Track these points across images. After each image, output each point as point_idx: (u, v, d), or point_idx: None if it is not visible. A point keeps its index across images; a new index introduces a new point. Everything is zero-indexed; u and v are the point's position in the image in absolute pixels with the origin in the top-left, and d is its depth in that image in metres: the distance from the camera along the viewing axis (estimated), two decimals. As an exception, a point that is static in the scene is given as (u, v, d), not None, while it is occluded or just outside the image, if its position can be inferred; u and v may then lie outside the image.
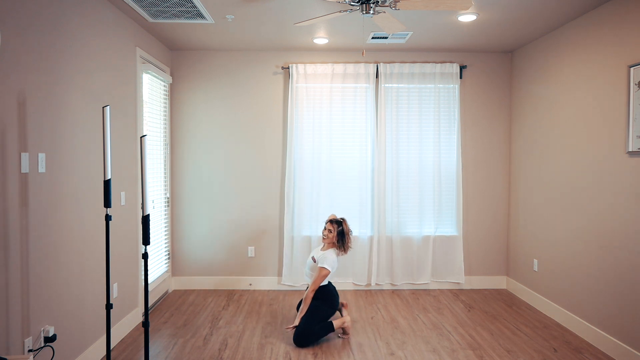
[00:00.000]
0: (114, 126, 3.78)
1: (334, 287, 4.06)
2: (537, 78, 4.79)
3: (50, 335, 2.83)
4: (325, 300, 3.93)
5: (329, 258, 3.91)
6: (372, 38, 4.80)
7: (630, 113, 3.42)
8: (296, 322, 3.81)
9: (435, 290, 5.37)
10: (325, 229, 4.04)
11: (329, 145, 5.30)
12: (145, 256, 2.80)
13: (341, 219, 4.07)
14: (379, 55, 5.36)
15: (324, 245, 4.10)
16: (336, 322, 3.89)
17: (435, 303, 4.89)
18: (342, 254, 4.06)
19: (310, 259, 4.10)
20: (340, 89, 5.32)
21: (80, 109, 3.26)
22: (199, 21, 4.21)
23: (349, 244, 4.03)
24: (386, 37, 4.78)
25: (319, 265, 3.90)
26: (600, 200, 3.77)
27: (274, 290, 5.37)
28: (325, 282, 3.97)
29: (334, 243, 4.02)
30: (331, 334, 3.99)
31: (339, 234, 3.98)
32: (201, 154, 5.37)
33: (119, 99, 3.90)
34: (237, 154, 5.38)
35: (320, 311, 3.87)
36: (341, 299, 5.00)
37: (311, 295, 3.85)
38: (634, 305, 3.38)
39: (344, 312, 4.13)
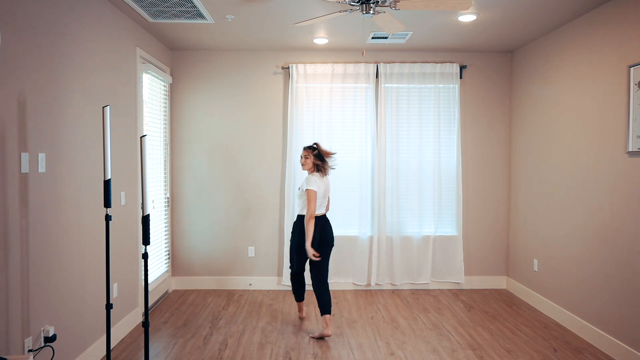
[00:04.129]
0: (114, 126, 3.78)
1: (326, 226, 4.04)
2: (537, 78, 4.79)
3: (50, 335, 2.84)
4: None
5: (311, 179, 3.97)
6: (372, 38, 4.80)
7: (630, 113, 3.42)
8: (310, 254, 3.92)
9: (435, 290, 5.37)
10: (301, 157, 4.09)
11: (329, 145, 5.29)
12: (145, 256, 2.80)
13: (314, 143, 4.11)
14: (379, 55, 5.36)
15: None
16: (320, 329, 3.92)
17: (435, 303, 4.89)
18: (324, 175, 4.07)
19: (297, 190, 4.18)
20: (340, 89, 5.32)
21: (80, 109, 3.26)
22: (199, 21, 4.21)
23: (328, 165, 4.07)
24: (386, 37, 4.78)
25: (305, 188, 3.95)
26: (600, 200, 3.77)
27: (274, 290, 5.37)
28: (319, 212, 4.00)
29: (313, 169, 4.06)
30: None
31: (315, 157, 4.03)
32: (201, 154, 5.37)
33: (119, 99, 3.90)
34: (237, 153, 5.38)
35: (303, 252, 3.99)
36: (341, 299, 5.00)
37: (310, 220, 3.89)
38: (634, 305, 3.38)
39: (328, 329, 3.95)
